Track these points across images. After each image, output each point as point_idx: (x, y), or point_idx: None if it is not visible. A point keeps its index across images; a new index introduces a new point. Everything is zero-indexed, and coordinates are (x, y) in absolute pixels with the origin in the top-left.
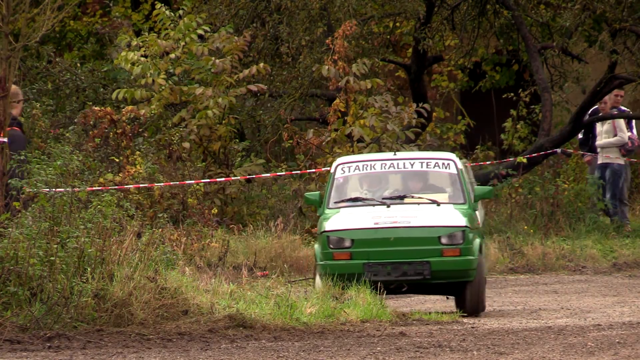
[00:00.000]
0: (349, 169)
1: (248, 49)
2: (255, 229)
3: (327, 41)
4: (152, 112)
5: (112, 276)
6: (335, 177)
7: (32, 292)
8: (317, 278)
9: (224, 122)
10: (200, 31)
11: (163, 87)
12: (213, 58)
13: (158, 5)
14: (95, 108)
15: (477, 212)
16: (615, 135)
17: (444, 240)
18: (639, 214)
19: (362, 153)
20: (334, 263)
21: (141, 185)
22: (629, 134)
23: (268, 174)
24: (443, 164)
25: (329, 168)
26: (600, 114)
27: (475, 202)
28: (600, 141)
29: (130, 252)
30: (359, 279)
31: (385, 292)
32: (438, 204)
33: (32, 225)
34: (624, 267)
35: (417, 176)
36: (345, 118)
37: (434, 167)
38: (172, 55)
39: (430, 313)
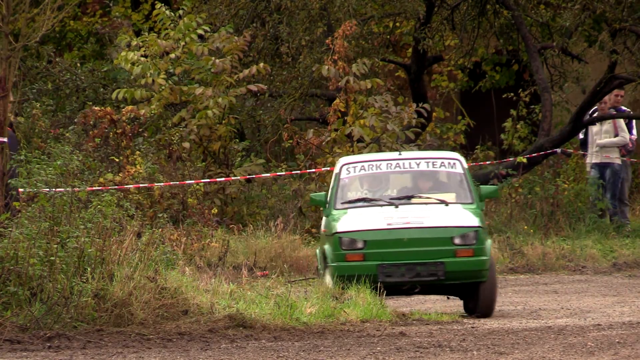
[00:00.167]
0: (354, 169)
1: (248, 48)
2: (255, 229)
3: (327, 41)
4: (152, 112)
5: (112, 276)
6: (341, 177)
7: (32, 292)
8: (328, 278)
9: (224, 122)
10: (200, 31)
11: (163, 87)
12: (213, 58)
13: (158, 5)
14: (95, 108)
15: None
16: (616, 135)
17: (457, 241)
18: (639, 214)
19: (361, 153)
20: (346, 264)
21: (141, 185)
22: (630, 135)
23: (268, 174)
24: (449, 163)
25: (329, 168)
26: (599, 114)
27: (482, 202)
28: (601, 140)
29: (130, 252)
30: (373, 280)
31: (385, 292)
32: (446, 203)
33: (32, 225)
34: (624, 267)
35: (424, 176)
36: (345, 118)
37: (440, 167)
38: (172, 55)
39: (430, 313)
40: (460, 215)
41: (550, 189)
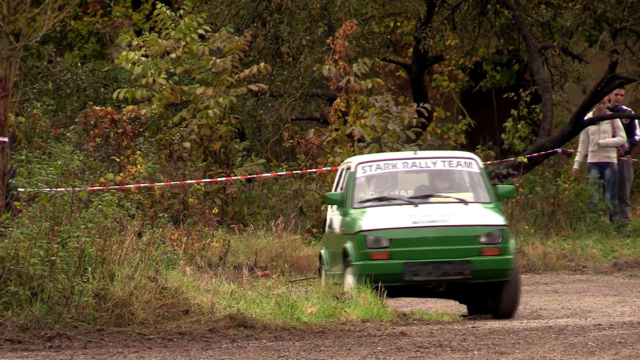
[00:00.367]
0: (370, 168)
1: (249, 48)
2: (256, 229)
3: (327, 41)
4: (153, 111)
5: (113, 276)
6: (357, 176)
7: (33, 291)
8: (349, 278)
9: (224, 121)
10: (201, 31)
11: (164, 87)
12: (214, 58)
13: (159, 5)
14: (96, 108)
15: None
16: (614, 135)
17: (482, 239)
18: (639, 214)
19: (362, 153)
20: (371, 263)
21: (142, 185)
22: (635, 136)
23: (269, 174)
24: (465, 162)
25: (329, 168)
26: (596, 114)
27: (499, 201)
28: (603, 140)
29: (131, 252)
30: (398, 279)
31: (383, 293)
32: (465, 202)
33: (33, 225)
34: (625, 266)
35: (441, 175)
36: (346, 118)
37: (456, 166)
38: (173, 55)
39: (431, 313)
40: (484, 213)
41: (550, 188)
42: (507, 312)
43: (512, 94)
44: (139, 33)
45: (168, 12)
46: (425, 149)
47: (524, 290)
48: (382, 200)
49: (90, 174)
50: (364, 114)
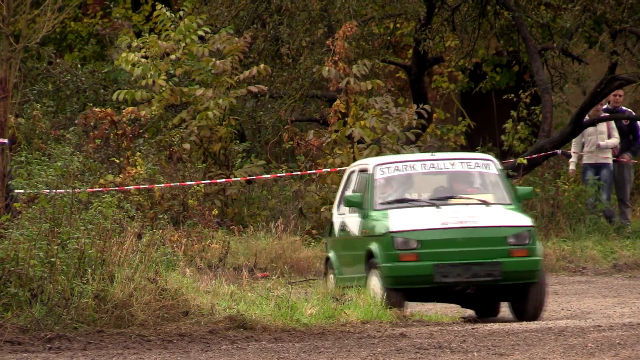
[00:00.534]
0: (388, 170)
1: (248, 50)
2: (255, 230)
3: (327, 42)
4: (153, 113)
5: (113, 277)
6: (375, 177)
7: (33, 293)
8: (374, 280)
9: (224, 123)
10: (200, 32)
11: (163, 88)
12: (213, 59)
13: (158, 6)
14: (96, 109)
15: None
16: (610, 136)
17: (511, 241)
18: (639, 215)
19: (362, 154)
20: (400, 265)
21: (142, 186)
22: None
23: (268, 175)
24: (483, 164)
25: (329, 169)
26: (590, 115)
27: (519, 203)
28: (604, 142)
29: (131, 254)
30: (427, 281)
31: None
32: (487, 204)
33: (33, 226)
34: (625, 268)
35: (460, 177)
36: (346, 119)
37: (474, 168)
38: (173, 57)
39: (430, 314)
40: (511, 215)
41: (550, 190)
42: (533, 314)
43: (512, 95)
44: (138, 34)
45: (168, 13)
46: (425, 150)
47: None
48: (403, 201)
49: (90, 175)
50: (363, 115)
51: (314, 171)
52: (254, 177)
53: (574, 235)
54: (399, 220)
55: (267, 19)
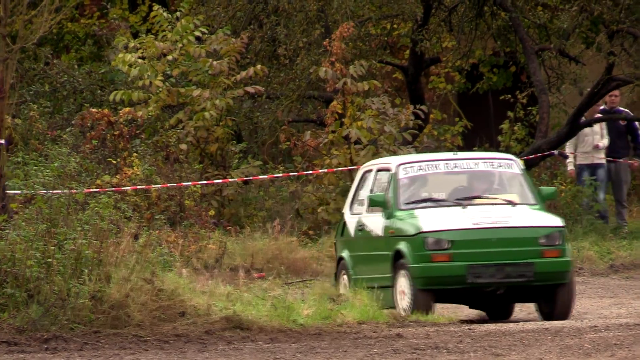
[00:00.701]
0: (412, 169)
1: (245, 50)
2: (252, 231)
3: (324, 43)
4: (150, 113)
5: (109, 278)
6: (399, 177)
7: (29, 293)
8: (402, 281)
9: (221, 123)
10: (197, 33)
11: (160, 89)
12: (210, 60)
13: (155, 7)
14: (93, 110)
15: None
16: (602, 137)
17: (542, 241)
18: (636, 216)
19: (358, 155)
20: (432, 265)
21: (138, 187)
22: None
23: (265, 176)
24: (507, 164)
25: (326, 170)
26: (587, 116)
27: (543, 203)
28: (602, 143)
29: (128, 254)
30: (459, 282)
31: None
32: (513, 204)
33: (29, 227)
34: (621, 268)
35: (484, 176)
36: (343, 120)
37: (498, 167)
38: (170, 57)
39: (427, 315)
40: (541, 215)
41: None
42: (561, 315)
43: (509, 95)
44: (135, 35)
45: (165, 14)
46: (422, 151)
47: None
48: (428, 201)
49: (87, 176)
50: (360, 116)
51: (310, 172)
52: (251, 177)
53: (571, 236)
54: (430, 220)
55: (264, 20)
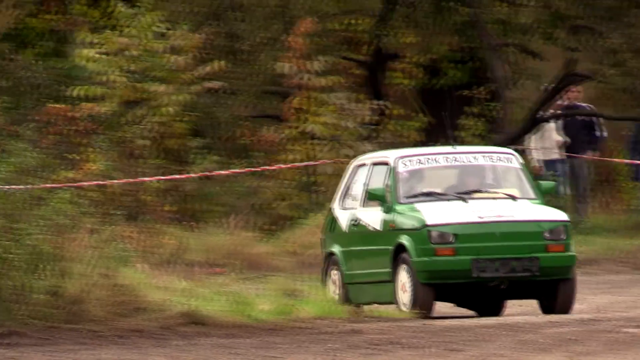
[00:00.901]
0: (410, 163)
1: (206, 46)
2: (210, 226)
3: (284, 38)
4: (109, 109)
5: (67, 273)
6: (398, 171)
7: None
8: (404, 275)
9: (180, 119)
10: (157, 28)
11: (120, 85)
12: (170, 55)
13: (117, 3)
14: (53, 105)
15: None
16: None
17: (547, 235)
18: (598, 212)
19: (316, 151)
20: (436, 259)
21: (96, 182)
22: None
23: (224, 171)
24: (506, 158)
25: (285, 165)
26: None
27: (543, 197)
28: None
29: (85, 249)
30: (464, 276)
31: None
32: (514, 198)
33: None
34: (579, 264)
35: (484, 170)
36: (301, 115)
37: (497, 161)
38: (129, 53)
39: (384, 310)
40: (545, 209)
41: None
42: (563, 310)
43: (469, 91)
44: (96, 31)
45: (126, 10)
46: (383, 146)
47: None
48: (429, 195)
49: (46, 171)
50: (320, 111)
51: (270, 167)
52: (210, 173)
53: None
54: (434, 214)
55: (224, 15)
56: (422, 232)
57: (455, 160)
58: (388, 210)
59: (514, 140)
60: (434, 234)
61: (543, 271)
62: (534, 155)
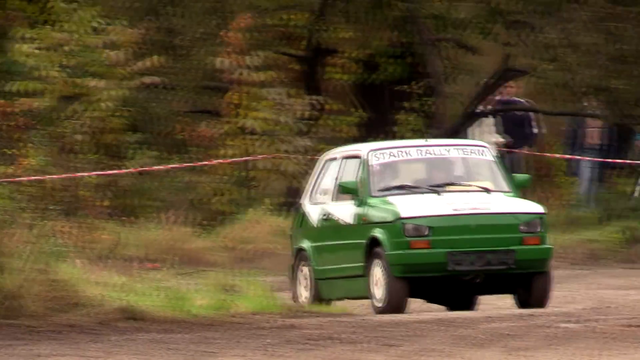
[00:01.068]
0: (382, 156)
1: (143, 41)
2: (147, 221)
3: (221, 33)
4: (46, 104)
5: (3, 269)
6: (371, 164)
7: None
8: (377, 271)
9: (117, 114)
10: (94, 23)
11: (57, 80)
12: (107, 50)
13: None
14: None
15: None
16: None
17: (522, 228)
18: None
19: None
20: (411, 252)
21: (33, 177)
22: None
23: (161, 166)
24: (479, 150)
25: (221, 160)
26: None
27: (518, 190)
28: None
29: (22, 245)
30: (439, 269)
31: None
32: (488, 191)
33: None
34: None
35: (457, 163)
36: (239, 110)
37: (470, 154)
38: (66, 48)
39: (320, 305)
40: (520, 202)
41: None
42: (538, 303)
43: (405, 86)
44: (33, 26)
45: (62, 4)
46: (318, 141)
47: None
48: (402, 188)
49: None
50: (256, 106)
51: (206, 162)
52: (147, 168)
53: None
54: (408, 207)
55: (161, 10)
56: (396, 225)
57: (427, 152)
58: (360, 203)
59: (451, 135)
60: (409, 226)
61: (519, 264)
62: None
